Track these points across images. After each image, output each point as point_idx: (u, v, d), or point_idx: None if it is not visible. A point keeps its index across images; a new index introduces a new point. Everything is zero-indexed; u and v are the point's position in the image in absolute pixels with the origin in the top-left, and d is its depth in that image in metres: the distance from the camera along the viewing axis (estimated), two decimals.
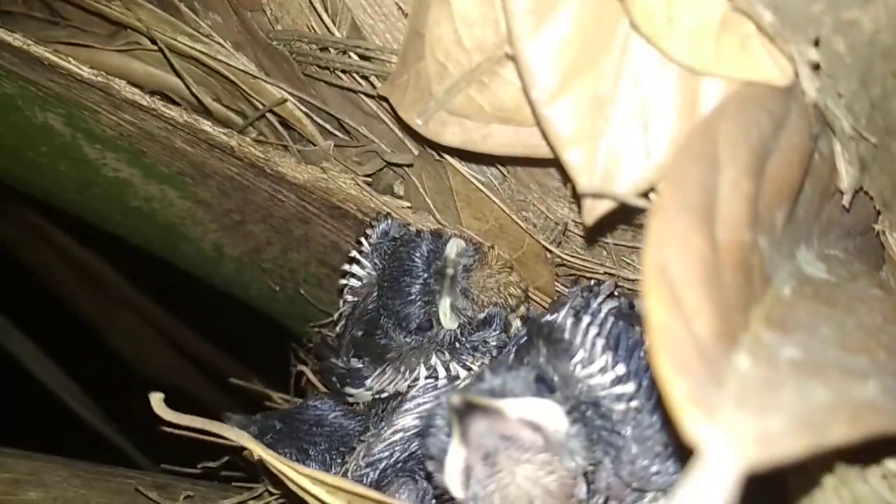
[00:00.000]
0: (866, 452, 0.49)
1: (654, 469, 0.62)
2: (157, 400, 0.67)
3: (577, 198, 0.60)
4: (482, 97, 0.68)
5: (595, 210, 0.58)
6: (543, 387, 0.65)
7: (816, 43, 0.54)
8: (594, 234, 0.83)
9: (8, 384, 1.90)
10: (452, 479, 0.62)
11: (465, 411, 0.60)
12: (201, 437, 0.72)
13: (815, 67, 0.56)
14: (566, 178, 0.85)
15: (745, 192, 0.48)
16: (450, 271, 0.87)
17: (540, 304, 1.01)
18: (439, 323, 0.90)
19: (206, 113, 1.06)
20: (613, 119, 0.57)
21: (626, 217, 0.80)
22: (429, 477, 0.68)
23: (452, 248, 0.89)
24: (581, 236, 0.94)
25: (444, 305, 0.88)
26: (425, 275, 0.89)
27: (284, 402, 1.27)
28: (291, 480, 0.67)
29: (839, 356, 0.47)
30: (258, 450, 0.66)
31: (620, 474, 0.65)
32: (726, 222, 0.46)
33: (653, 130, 0.56)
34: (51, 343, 2.03)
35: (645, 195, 0.59)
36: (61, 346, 1.95)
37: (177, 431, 0.73)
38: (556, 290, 1.01)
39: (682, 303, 0.39)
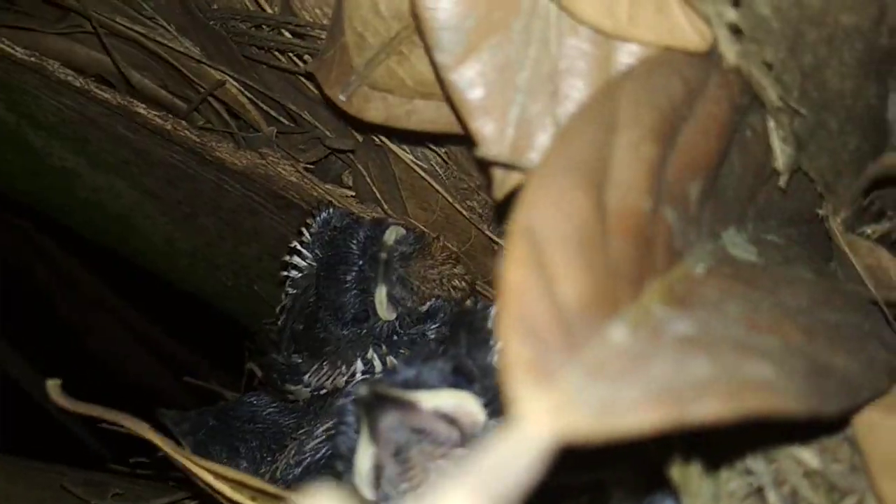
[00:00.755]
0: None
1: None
2: (53, 387, 0.64)
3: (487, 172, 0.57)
4: (403, 70, 0.65)
5: (506, 183, 0.55)
6: (461, 379, 0.60)
7: (736, 3, 0.51)
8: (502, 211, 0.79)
9: None
10: (362, 479, 0.58)
11: (375, 404, 0.56)
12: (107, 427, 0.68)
13: (736, 31, 0.52)
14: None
15: (646, 156, 0.45)
16: (383, 256, 0.83)
17: (489, 299, 0.97)
18: (376, 314, 0.87)
19: (150, 99, 1.02)
20: (522, 86, 0.53)
21: None
22: (338, 476, 0.64)
23: (391, 234, 0.86)
24: None
25: (381, 294, 0.85)
26: (360, 262, 0.85)
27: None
28: (195, 475, 0.63)
29: (742, 334, 0.43)
30: (156, 439, 0.62)
31: None
32: (619, 186, 0.42)
33: (563, 99, 0.53)
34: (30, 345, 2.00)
35: None
36: (27, 340, 1.92)
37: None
38: None
39: (547, 264, 0.35)
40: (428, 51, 0.54)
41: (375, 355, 0.86)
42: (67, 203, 1.20)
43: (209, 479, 0.62)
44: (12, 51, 0.90)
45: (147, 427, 0.63)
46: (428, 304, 0.89)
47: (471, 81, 0.54)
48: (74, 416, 0.64)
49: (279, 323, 0.98)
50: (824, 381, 0.42)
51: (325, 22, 0.78)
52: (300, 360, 0.93)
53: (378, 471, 0.58)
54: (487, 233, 0.89)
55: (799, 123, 0.60)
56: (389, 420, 0.56)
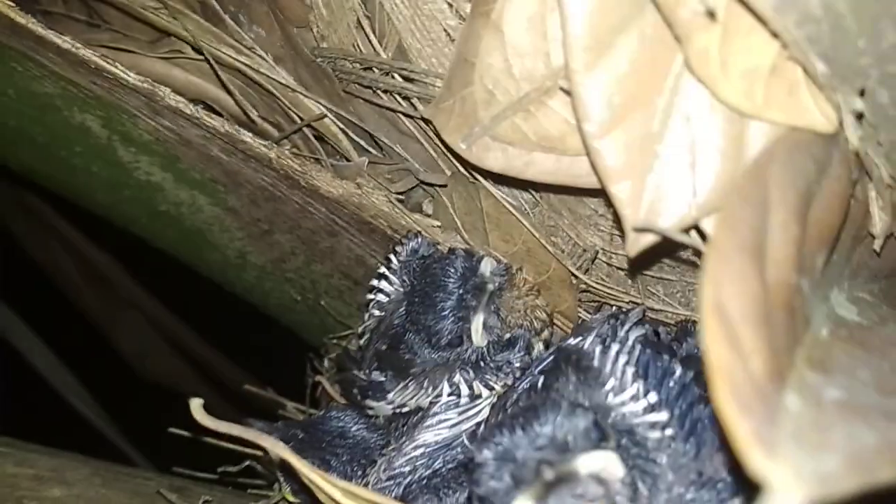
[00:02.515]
0: None
1: (689, 497, 0.63)
2: (196, 406, 0.68)
3: (620, 229, 0.62)
4: (527, 125, 0.70)
5: (639, 243, 0.60)
6: (598, 434, 0.63)
7: (862, 93, 0.56)
8: (633, 265, 0.85)
9: (11, 379, 1.91)
10: None
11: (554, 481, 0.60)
12: (224, 444, 0.73)
13: (859, 117, 0.57)
14: (601, 207, 0.87)
15: (793, 235, 0.50)
16: (490, 287, 0.88)
17: (562, 329, 1.02)
18: (469, 340, 0.92)
19: (246, 124, 1.07)
20: (662, 156, 0.58)
21: (661, 251, 0.82)
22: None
23: (487, 265, 0.91)
24: (607, 264, 0.95)
25: (478, 322, 0.90)
26: (460, 290, 0.90)
27: (299, 411, 1.28)
28: (324, 492, 0.68)
29: (878, 399, 0.48)
30: (293, 460, 0.67)
31: (657, 502, 0.65)
32: (775, 263, 0.48)
33: (699, 170, 0.58)
34: (58, 341, 2.04)
35: (688, 231, 0.60)
36: (68, 345, 1.96)
37: (208, 438, 0.75)
38: (579, 316, 1.02)
39: (740, 341, 0.40)
40: (577, 121, 0.60)
41: (462, 379, 0.91)
42: (145, 214, 1.25)
43: (338, 495, 0.67)
44: (125, 76, 0.95)
45: (282, 446, 0.68)
46: (510, 332, 0.94)
47: (614, 150, 0.59)
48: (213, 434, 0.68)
49: (361, 342, 1.03)
50: None
51: (440, 71, 0.83)
52: (383, 378, 0.98)
53: None
54: (569, 267, 0.95)
55: None
56: (559, 496, 0.60)
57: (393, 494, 0.85)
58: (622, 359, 0.71)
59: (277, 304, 1.36)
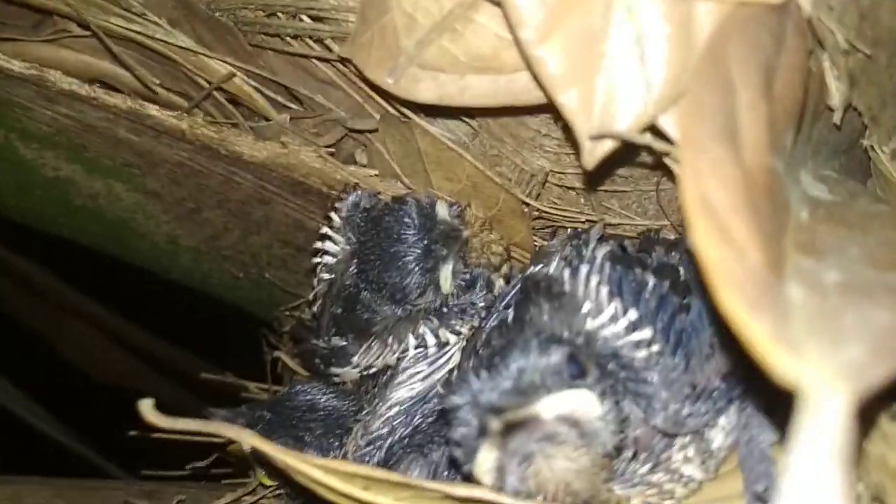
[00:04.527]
0: None
1: (686, 412, 0.60)
2: (147, 406, 0.63)
3: (568, 146, 0.57)
4: (456, 47, 0.65)
5: (596, 152, 0.56)
6: (575, 368, 0.60)
7: None
8: (589, 179, 0.80)
9: None
10: (482, 474, 0.59)
11: (507, 428, 0.56)
12: (190, 438, 0.67)
13: None
14: (544, 127, 0.83)
15: (763, 114, 0.46)
16: (465, 233, 0.84)
17: (520, 261, 0.98)
18: (437, 290, 0.87)
19: (151, 98, 0.99)
20: (608, 54, 0.54)
21: (617, 160, 0.77)
22: (452, 460, 0.64)
23: (443, 209, 0.86)
24: (557, 185, 0.91)
25: (447, 271, 0.86)
26: (424, 241, 0.85)
27: (262, 391, 1.23)
28: (302, 473, 0.63)
29: (874, 275, 0.45)
30: (263, 446, 0.62)
31: (655, 423, 0.62)
32: (750, 147, 0.44)
33: (649, 62, 0.53)
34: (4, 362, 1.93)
35: (646, 131, 0.56)
36: (11, 361, 1.86)
37: (168, 436, 0.69)
38: (535, 244, 0.98)
39: (731, 234, 0.36)
40: (510, 28, 0.54)
41: (427, 329, 0.87)
42: (62, 212, 1.16)
43: (317, 474, 0.62)
44: (9, 65, 0.86)
45: (247, 432, 0.63)
46: (468, 273, 0.90)
47: (556, 55, 0.54)
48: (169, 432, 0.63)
49: (315, 309, 0.97)
50: None
51: (351, 4, 0.77)
52: (345, 343, 0.93)
53: (500, 471, 0.58)
54: (519, 196, 0.90)
55: (852, 62, 0.62)
56: (518, 440, 0.56)
57: (375, 460, 0.80)
58: (594, 279, 0.67)
59: (219, 284, 1.29)
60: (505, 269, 0.93)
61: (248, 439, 0.63)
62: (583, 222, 0.92)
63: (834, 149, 0.72)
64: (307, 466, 0.62)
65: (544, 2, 0.52)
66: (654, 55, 0.53)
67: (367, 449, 0.83)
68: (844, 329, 0.35)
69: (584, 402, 0.58)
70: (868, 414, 0.48)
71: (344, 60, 0.77)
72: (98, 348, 2.13)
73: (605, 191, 0.88)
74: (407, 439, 0.80)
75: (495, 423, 0.54)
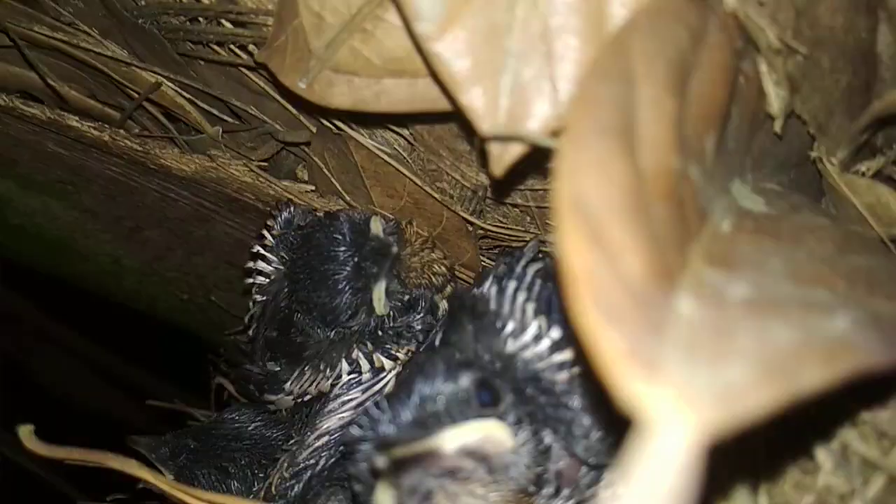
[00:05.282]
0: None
1: (611, 440, 0.55)
2: (26, 433, 0.58)
3: (482, 152, 0.53)
4: (368, 48, 0.60)
5: (504, 158, 0.51)
6: (486, 395, 0.55)
7: None
8: (508, 190, 0.76)
9: None
10: None
11: (395, 467, 0.50)
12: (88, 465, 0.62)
13: None
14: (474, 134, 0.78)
15: (668, 111, 0.41)
16: (393, 249, 0.79)
17: (467, 283, 0.93)
18: (370, 311, 0.82)
19: (80, 111, 0.95)
20: (512, 50, 0.49)
21: (543, 171, 0.73)
22: (354, 497, 0.59)
23: (377, 225, 0.81)
24: (503, 203, 0.86)
25: (380, 290, 0.81)
26: (354, 258, 0.80)
27: (207, 419, 1.17)
28: None
29: (795, 290, 0.40)
30: (151, 478, 0.57)
31: (575, 452, 0.57)
32: (649, 146, 0.39)
33: (558, 59, 0.49)
34: None
35: (558, 134, 0.51)
36: None
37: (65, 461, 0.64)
38: (482, 265, 0.93)
39: (606, 238, 0.31)
40: (406, 22, 0.50)
41: (361, 354, 0.82)
42: (3, 232, 1.12)
43: None
44: None
45: (134, 463, 0.58)
46: (408, 294, 0.85)
47: (456, 51, 0.49)
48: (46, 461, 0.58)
49: (250, 332, 0.92)
50: (886, 327, 0.40)
51: (269, 7, 0.72)
52: (278, 368, 0.88)
53: None
54: (461, 213, 0.85)
55: (792, 65, 0.58)
56: (413, 477, 0.51)
57: (294, 493, 0.75)
58: (521, 296, 0.62)
59: (166, 307, 1.24)
60: (449, 290, 0.89)
61: (136, 471, 0.58)
62: (529, 241, 0.87)
63: (781, 162, 0.67)
64: (196, 501, 0.57)
65: None
66: (563, 52, 0.49)
67: (291, 482, 0.77)
68: (731, 348, 0.30)
69: (492, 433, 0.52)
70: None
71: (268, 71, 0.73)
72: (74, 375, 2.07)
73: (549, 208, 0.83)
74: (326, 472, 0.75)
75: (381, 461, 0.49)
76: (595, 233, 0.31)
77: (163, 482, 0.57)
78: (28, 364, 2.04)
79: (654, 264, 0.33)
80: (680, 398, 0.24)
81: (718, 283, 0.37)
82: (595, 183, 0.34)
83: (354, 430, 0.53)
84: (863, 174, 0.66)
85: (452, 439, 0.50)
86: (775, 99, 0.59)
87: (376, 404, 0.53)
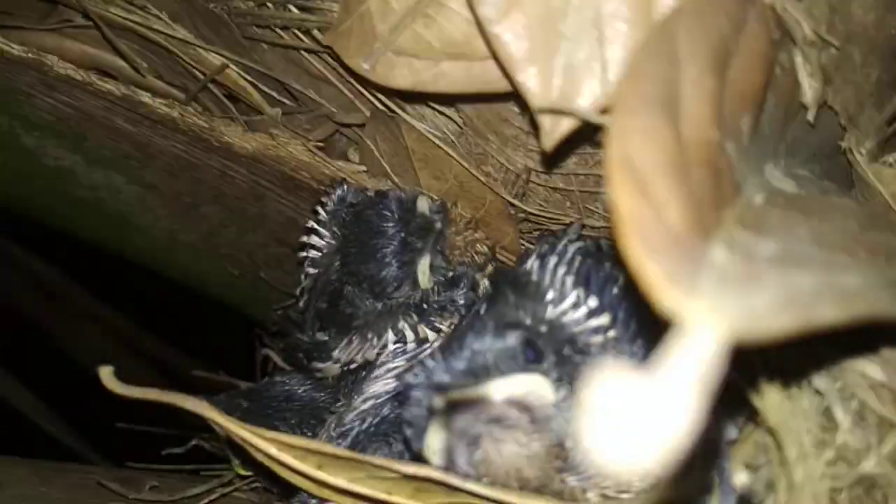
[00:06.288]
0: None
1: None
2: (106, 373, 0.63)
3: (537, 133, 0.57)
4: (429, 33, 0.65)
5: (555, 131, 0.56)
6: (531, 353, 0.59)
7: None
8: (550, 174, 0.80)
9: None
10: (432, 455, 0.58)
11: (450, 410, 0.55)
12: (169, 430, 0.68)
13: None
14: (527, 125, 0.83)
15: (709, 89, 0.46)
16: (437, 225, 0.84)
17: (507, 264, 0.98)
18: (415, 284, 0.87)
19: (148, 89, 1.01)
20: (567, 34, 0.54)
21: (585, 156, 0.77)
22: (406, 441, 0.64)
23: (424, 204, 0.86)
24: (543, 187, 0.91)
25: (425, 264, 0.86)
26: (402, 234, 0.86)
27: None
28: (256, 448, 0.63)
29: (818, 253, 0.45)
30: (216, 417, 0.62)
31: None
32: (691, 119, 0.43)
33: (608, 43, 0.54)
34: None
35: (606, 113, 0.56)
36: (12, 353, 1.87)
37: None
38: (522, 248, 0.98)
39: (651, 191, 0.36)
40: (470, 5, 0.55)
41: (406, 325, 0.87)
42: (63, 204, 1.18)
43: (273, 450, 0.62)
44: (8, 48, 0.88)
45: (205, 404, 0.63)
46: (453, 271, 0.90)
47: (515, 33, 0.54)
48: (131, 402, 0.63)
49: (301, 304, 0.97)
50: None
51: None
52: (327, 338, 0.93)
53: (449, 452, 0.57)
54: (504, 196, 0.90)
55: (825, 57, 0.62)
56: (464, 420, 0.56)
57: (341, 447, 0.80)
58: (561, 269, 0.67)
59: (217, 283, 1.30)
60: (490, 269, 0.93)
61: (205, 411, 0.63)
62: (568, 225, 0.91)
63: (814, 151, 0.71)
64: (262, 441, 0.62)
65: None
66: (613, 36, 0.53)
67: (338, 441, 0.82)
68: (758, 284, 0.34)
69: (536, 387, 0.57)
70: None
71: (329, 51, 0.78)
72: (91, 339, 2.13)
73: (590, 192, 0.88)
74: (373, 428, 0.80)
75: (439, 401, 0.54)
76: (641, 186, 0.36)
77: (231, 423, 0.61)
78: (72, 341, 2.11)
79: (692, 218, 0.38)
80: (712, 309, 0.28)
81: (749, 242, 0.42)
82: (642, 145, 0.38)
83: (410, 377, 0.58)
84: (890, 164, 0.69)
85: (501, 389, 0.55)
86: (809, 89, 0.63)
87: (430, 355, 0.58)
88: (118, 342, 2.04)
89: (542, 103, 0.54)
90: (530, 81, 0.54)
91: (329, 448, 0.61)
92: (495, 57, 0.55)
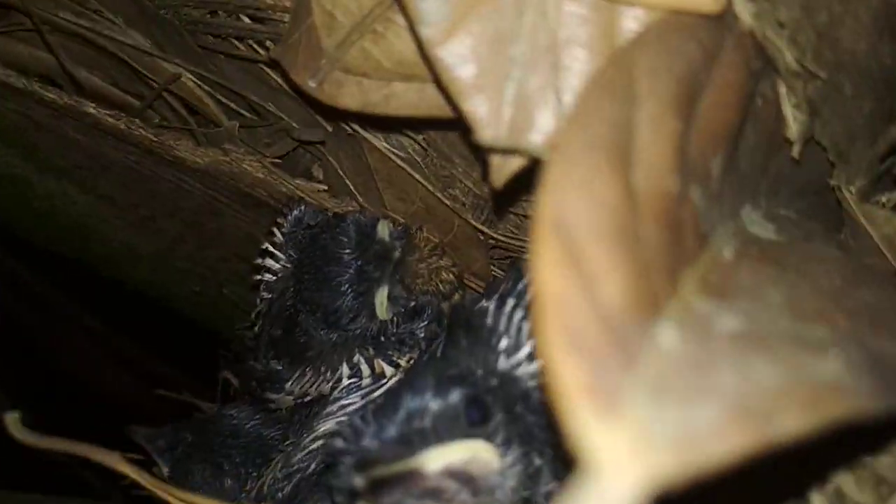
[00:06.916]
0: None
1: None
2: (13, 421, 0.57)
3: (484, 160, 0.51)
4: (378, 50, 0.59)
5: (505, 169, 0.50)
6: (475, 413, 0.53)
7: None
8: (518, 200, 0.74)
9: None
10: None
11: (375, 488, 0.49)
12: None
13: None
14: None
15: (669, 130, 0.40)
16: (395, 254, 0.78)
17: (477, 292, 0.92)
18: (372, 315, 0.81)
19: (100, 98, 0.95)
20: (518, 59, 0.48)
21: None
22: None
23: (384, 229, 0.80)
24: (514, 214, 0.85)
25: (382, 295, 0.80)
26: (358, 262, 0.80)
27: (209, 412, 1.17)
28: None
29: (790, 325, 0.39)
30: (131, 473, 0.56)
31: (559, 475, 0.55)
32: (646, 167, 0.38)
33: (565, 71, 0.48)
34: None
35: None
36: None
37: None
38: (493, 275, 0.92)
39: (584, 262, 0.30)
40: (411, 25, 0.49)
41: (362, 359, 0.81)
42: (20, 213, 1.13)
43: None
44: None
45: (118, 458, 0.57)
46: (415, 300, 0.84)
47: (461, 57, 0.48)
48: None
49: (255, 329, 0.92)
50: (886, 371, 0.38)
51: (287, 4, 0.72)
52: (280, 367, 0.87)
53: None
54: (472, 222, 0.84)
55: (812, 88, 0.56)
56: (392, 497, 0.49)
57: (284, 494, 0.74)
58: (518, 314, 0.61)
59: (179, 298, 1.25)
60: (457, 298, 0.87)
61: (119, 465, 0.57)
62: None
63: (799, 188, 0.65)
64: (175, 501, 0.56)
65: None
66: (570, 63, 0.47)
67: (283, 483, 0.76)
68: (706, 385, 0.28)
69: (479, 454, 0.51)
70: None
71: (278, 64, 0.72)
72: (85, 354, 2.08)
73: None
74: (316, 476, 0.74)
75: (359, 481, 0.48)
76: (573, 256, 0.30)
77: (146, 479, 0.56)
78: (43, 341, 2.04)
79: (636, 291, 0.32)
80: (634, 441, 0.22)
81: (708, 313, 0.36)
82: (579, 202, 0.32)
83: (338, 442, 0.52)
84: (882, 205, 0.63)
85: (436, 459, 0.49)
86: (794, 123, 0.57)
87: (362, 416, 0.52)
88: (98, 347, 1.98)
89: (491, 136, 0.48)
90: (479, 111, 0.48)
91: None
92: (438, 83, 0.49)
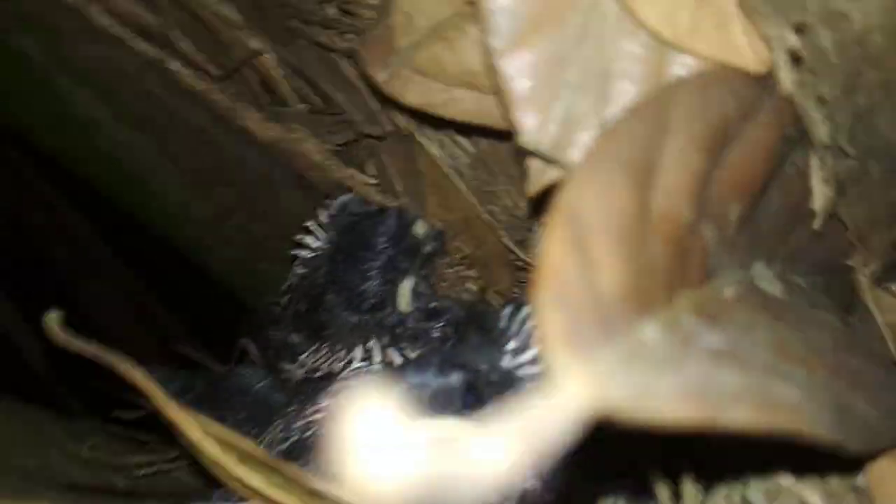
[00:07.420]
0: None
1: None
2: (52, 319, 0.62)
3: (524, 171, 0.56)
4: (447, 56, 0.64)
5: (542, 177, 0.54)
6: (471, 398, 0.58)
7: (800, 30, 0.50)
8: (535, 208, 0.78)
9: None
10: None
11: None
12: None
13: (796, 58, 0.51)
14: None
15: (693, 164, 0.44)
16: (425, 249, 0.83)
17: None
18: (393, 305, 0.86)
19: (187, 60, 1.01)
20: (571, 82, 0.52)
21: None
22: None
23: (420, 227, 0.86)
24: None
25: (407, 286, 0.84)
26: (390, 251, 0.85)
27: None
28: (182, 429, 0.61)
29: (771, 360, 0.42)
30: (149, 387, 0.60)
31: (544, 476, 0.59)
32: (664, 191, 0.41)
33: (611, 101, 0.52)
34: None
35: None
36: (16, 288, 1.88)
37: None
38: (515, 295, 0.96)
39: (587, 248, 0.34)
40: (482, 34, 0.53)
41: (377, 346, 0.85)
42: (87, 156, 1.19)
43: (196, 434, 0.60)
44: None
45: (140, 373, 0.61)
46: (435, 301, 0.88)
47: (520, 70, 0.53)
48: (69, 354, 0.62)
49: (283, 300, 0.96)
50: (847, 418, 0.41)
51: (373, 1, 0.78)
52: (298, 340, 0.91)
53: None
54: (505, 240, 0.88)
55: (842, 167, 0.59)
56: None
57: (276, 452, 0.78)
58: (531, 321, 0.65)
59: (219, 264, 1.30)
60: (478, 304, 0.91)
61: (139, 379, 0.62)
62: None
63: (818, 263, 0.67)
64: (185, 421, 0.60)
65: (518, 15, 0.51)
66: (617, 96, 0.52)
67: (278, 445, 0.80)
68: (674, 371, 0.32)
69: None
70: None
71: (357, 59, 0.77)
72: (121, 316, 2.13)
73: None
74: (312, 441, 0.77)
75: None
76: (580, 241, 0.34)
77: (160, 397, 0.60)
78: (73, 284, 2.10)
79: (632, 288, 0.35)
80: (594, 377, 0.26)
81: (694, 330, 0.39)
82: (595, 201, 0.36)
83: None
84: (894, 293, 0.66)
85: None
86: (819, 196, 0.60)
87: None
88: (121, 294, 2.03)
89: (534, 143, 0.52)
90: (527, 122, 0.52)
91: (249, 446, 0.59)
92: (496, 91, 0.54)
